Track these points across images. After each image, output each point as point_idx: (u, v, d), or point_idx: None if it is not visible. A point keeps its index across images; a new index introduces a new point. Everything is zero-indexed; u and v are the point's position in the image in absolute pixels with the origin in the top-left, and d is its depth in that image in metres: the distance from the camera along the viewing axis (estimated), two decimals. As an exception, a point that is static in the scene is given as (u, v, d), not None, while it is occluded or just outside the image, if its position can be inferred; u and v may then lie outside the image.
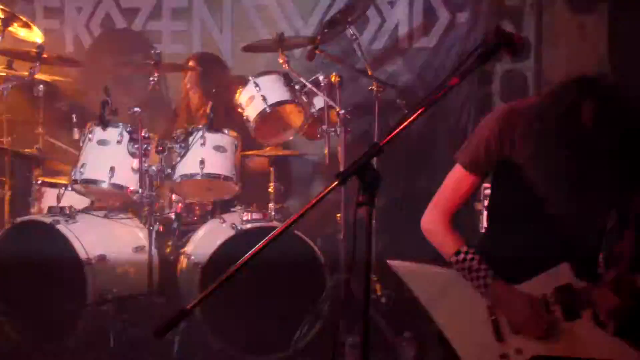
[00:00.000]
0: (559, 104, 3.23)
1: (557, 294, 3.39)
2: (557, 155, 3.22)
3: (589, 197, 3.25)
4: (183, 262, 6.13)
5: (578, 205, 3.28)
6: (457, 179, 3.54)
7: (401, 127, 2.80)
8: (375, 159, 2.83)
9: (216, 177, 6.06)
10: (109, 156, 6.03)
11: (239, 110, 6.33)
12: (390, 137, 2.82)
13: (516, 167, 3.38)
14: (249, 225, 5.93)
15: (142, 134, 5.98)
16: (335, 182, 2.72)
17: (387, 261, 3.60)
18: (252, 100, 6.22)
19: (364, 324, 2.81)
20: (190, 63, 7.05)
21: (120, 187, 6.02)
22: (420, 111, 2.81)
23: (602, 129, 3.16)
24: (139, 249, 6.17)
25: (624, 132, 3.18)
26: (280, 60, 6.22)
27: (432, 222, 3.58)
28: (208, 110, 6.19)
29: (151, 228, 6.06)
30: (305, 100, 6.29)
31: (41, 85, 6.67)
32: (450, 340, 3.47)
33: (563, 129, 3.20)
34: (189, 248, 6.16)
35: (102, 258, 5.92)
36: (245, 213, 6.07)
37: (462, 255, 3.46)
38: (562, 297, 3.38)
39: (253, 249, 2.72)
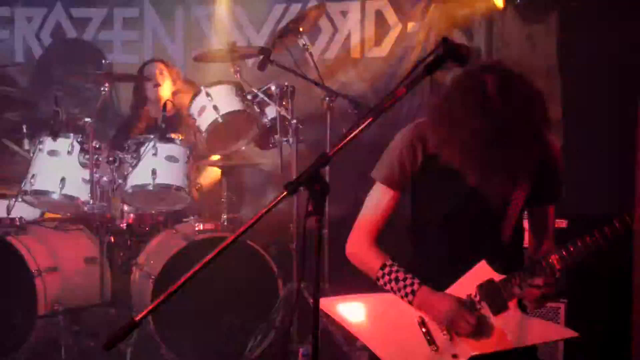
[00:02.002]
0: (465, 82, 3.37)
1: (481, 290, 3.47)
2: (469, 127, 3.29)
3: (502, 164, 3.35)
4: (135, 273, 6.11)
5: (493, 173, 3.38)
6: (376, 196, 3.60)
7: (349, 137, 2.82)
8: (327, 169, 2.85)
9: (168, 187, 6.04)
10: (59, 167, 5.98)
11: (191, 120, 6.30)
12: (338, 147, 2.83)
13: (432, 168, 3.45)
14: (201, 236, 5.93)
15: (93, 145, 5.95)
16: (284, 193, 2.73)
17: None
18: (203, 110, 6.19)
19: (314, 332, 2.82)
20: (156, 70, 6.95)
21: (71, 198, 5.98)
22: (368, 121, 2.83)
23: (505, 97, 3.27)
24: (90, 260, 6.14)
25: (524, 101, 3.31)
26: (232, 70, 6.23)
27: (355, 244, 3.64)
28: (159, 120, 6.18)
29: (103, 239, 6.04)
30: (258, 110, 6.28)
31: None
32: None
33: (471, 102, 3.31)
34: (141, 259, 6.13)
35: (53, 269, 5.88)
36: (197, 224, 6.07)
37: (387, 269, 3.53)
38: (486, 292, 3.47)
39: (203, 260, 2.71)
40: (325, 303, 3.62)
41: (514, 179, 3.47)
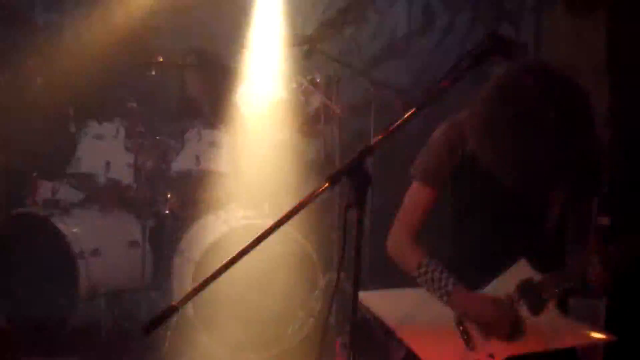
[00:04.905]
0: (504, 86, 3.24)
1: (520, 290, 3.43)
2: (507, 129, 3.18)
3: (542, 165, 3.21)
4: (176, 257, 6.14)
5: (533, 174, 3.26)
6: (415, 193, 3.57)
7: (393, 128, 2.81)
8: (371, 161, 2.83)
9: (211, 173, 6.07)
10: (104, 151, 6.05)
11: (236, 107, 6.33)
12: (381, 138, 2.82)
13: (471, 165, 3.40)
14: (243, 222, 5.94)
15: (138, 129, 6.00)
16: (326, 185, 2.72)
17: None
18: (248, 97, 6.22)
19: (352, 323, 2.81)
20: (190, 59, 7.00)
21: (116, 182, 6.04)
22: (411, 112, 2.81)
23: (546, 100, 3.13)
24: (132, 244, 6.18)
25: (566, 103, 3.15)
26: (278, 59, 6.24)
27: (394, 241, 3.61)
28: (205, 107, 6.22)
29: (145, 223, 6.08)
30: (302, 99, 6.29)
31: (39, 78, 6.64)
32: (422, 358, 3.50)
33: (511, 110, 3.18)
34: (182, 244, 6.16)
35: (95, 252, 5.93)
36: (239, 210, 6.08)
37: (423, 268, 3.50)
38: (525, 292, 3.42)
39: (243, 247, 2.72)
40: (363, 297, 3.61)
41: (557, 180, 3.39)
